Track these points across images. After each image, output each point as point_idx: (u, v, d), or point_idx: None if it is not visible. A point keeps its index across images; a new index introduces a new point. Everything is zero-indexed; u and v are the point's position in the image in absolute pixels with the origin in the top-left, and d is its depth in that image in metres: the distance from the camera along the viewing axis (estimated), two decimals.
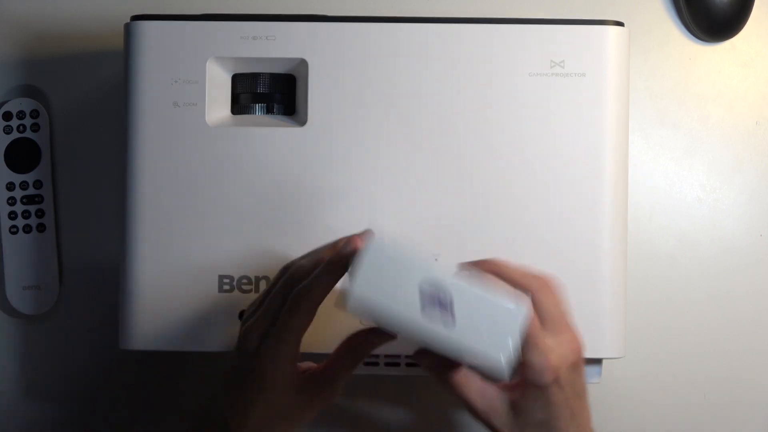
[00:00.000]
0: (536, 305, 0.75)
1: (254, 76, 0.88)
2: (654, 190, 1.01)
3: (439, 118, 0.85)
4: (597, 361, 0.89)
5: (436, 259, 0.85)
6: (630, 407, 1.01)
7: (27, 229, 1.01)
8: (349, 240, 0.75)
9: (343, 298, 0.72)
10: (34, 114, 1.01)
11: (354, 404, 1.02)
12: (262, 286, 0.86)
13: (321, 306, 0.85)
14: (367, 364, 0.95)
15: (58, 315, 1.03)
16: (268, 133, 0.86)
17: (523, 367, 0.74)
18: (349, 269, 0.74)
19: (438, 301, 0.71)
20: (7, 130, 1.02)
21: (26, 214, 1.01)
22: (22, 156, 1.01)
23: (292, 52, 0.86)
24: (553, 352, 0.74)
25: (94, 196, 1.02)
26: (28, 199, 1.01)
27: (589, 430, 0.78)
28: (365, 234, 0.75)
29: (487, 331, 0.71)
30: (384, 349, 0.85)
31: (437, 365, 0.77)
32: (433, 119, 0.85)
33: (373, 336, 0.79)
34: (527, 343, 0.73)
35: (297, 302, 0.76)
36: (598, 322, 0.85)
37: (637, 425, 1.01)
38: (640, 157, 1.01)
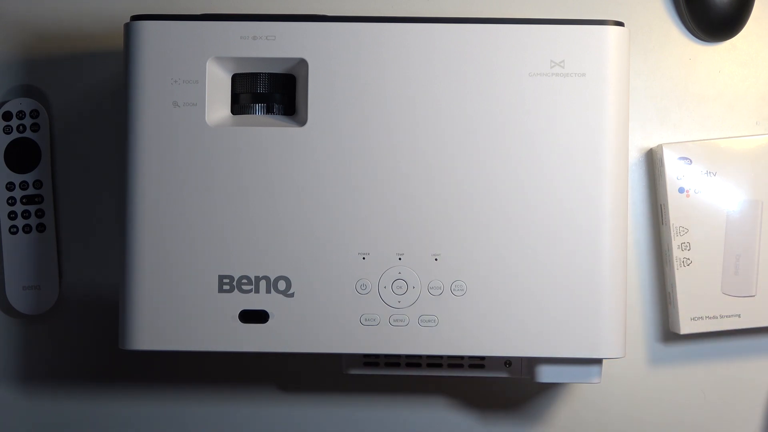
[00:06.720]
0: None
1: (254, 76, 0.88)
2: None
3: (438, 117, 0.85)
4: (597, 361, 0.89)
5: (435, 259, 0.85)
6: (630, 407, 1.01)
7: (27, 229, 1.01)
8: None
9: None
10: (34, 114, 1.01)
11: (354, 404, 1.02)
12: (262, 286, 0.86)
13: (318, 304, 0.85)
14: (367, 364, 0.95)
15: (58, 315, 1.03)
16: (268, 133, 0.86)
17: None
18: None
19: None
20: (7, 130, 1.01)
21: (26, 214, 1.01)
22: (22, 156, 1.01)
23: (292, 52, 0.86)
24: None
25: (94, 196, 1.02)
26: (28, 199, 1.01)
27: None
28: None
29: None
30: (384, 349, 0.85)
31: None
32: (433, 119, 0.85)
33: None
34: None
35: None
36: (598, 322, 0.85)
37: (637, 425, 1.01)
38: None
